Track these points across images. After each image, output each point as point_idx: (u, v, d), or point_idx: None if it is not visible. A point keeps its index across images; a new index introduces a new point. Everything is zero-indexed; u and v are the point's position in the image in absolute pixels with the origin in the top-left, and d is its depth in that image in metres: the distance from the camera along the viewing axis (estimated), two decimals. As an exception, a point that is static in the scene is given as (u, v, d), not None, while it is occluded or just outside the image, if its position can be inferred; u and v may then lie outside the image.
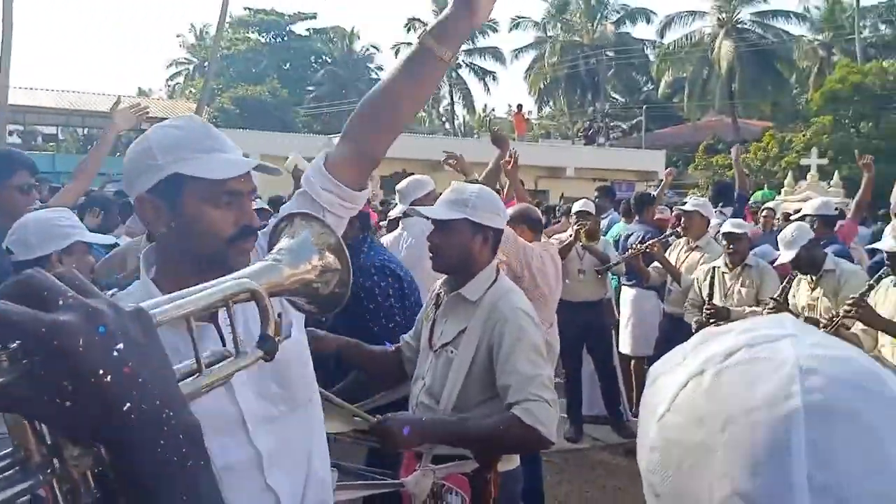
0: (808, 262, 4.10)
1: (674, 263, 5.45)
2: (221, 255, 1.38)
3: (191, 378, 0.69)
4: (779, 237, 4.35)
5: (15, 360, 0.51)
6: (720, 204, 7.02)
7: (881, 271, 3.68)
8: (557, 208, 11.13)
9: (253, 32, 39.62)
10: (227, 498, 1.03)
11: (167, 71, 44.28)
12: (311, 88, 37.78)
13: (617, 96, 38.99)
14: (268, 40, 39.56)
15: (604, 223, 7.08)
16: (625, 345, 6.07)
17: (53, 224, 2.45)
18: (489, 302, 2.24)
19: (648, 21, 37.40)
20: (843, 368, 0.53)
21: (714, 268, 4.85)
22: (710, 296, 4.71)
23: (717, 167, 25.82)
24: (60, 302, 0.52)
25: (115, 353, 0.51)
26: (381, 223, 7.22)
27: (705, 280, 4.83)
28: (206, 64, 28.49)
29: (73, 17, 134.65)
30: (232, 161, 1.41)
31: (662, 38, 36.00)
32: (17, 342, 0.50)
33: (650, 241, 5.52)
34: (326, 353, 2.44)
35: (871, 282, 3.62)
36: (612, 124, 33.71)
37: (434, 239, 2.34)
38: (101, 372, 0.50)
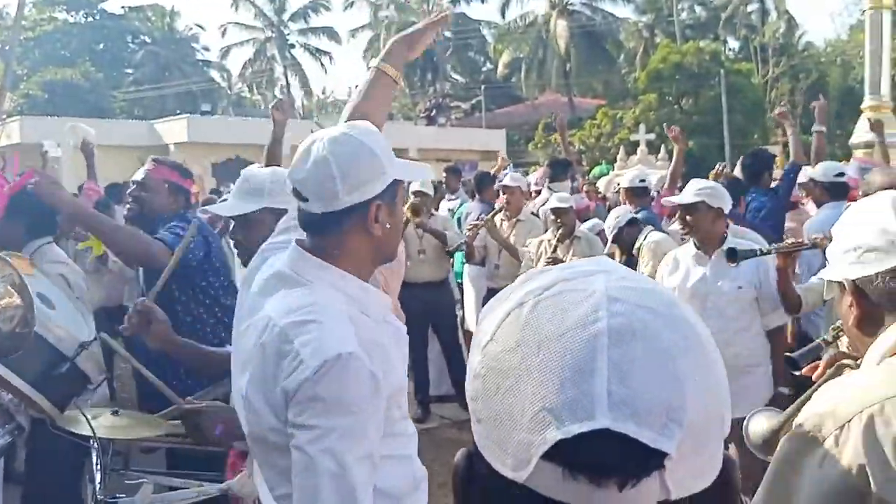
0: (628, 241, 4.60)
1: None
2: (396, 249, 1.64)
3: None
4: (604, 227, 4.71)
5: None
6: (549, 180, 7.17)
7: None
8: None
9: (60, 11, 36.26)
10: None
11: (-38, 56, 39.47)
12: (129, 71, 35.15)
13: (457, 77, 39.32)
14: (77, 19, 36.34)
15: (455, 203, 7.47)
16: (470, 322, 6.10)
17: None
18: None
19: (483, 1, 37.93)
20: (644, 297, 0.58)
21: (545, 240, 5.09)
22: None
23: (555, 145, 26.49)
24: None
25: None
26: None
27: (537, 252, 5.05)
28: (6, 46, 25.52)
29: None
30: (417, 165, 1.78)
31: (504, 17, 36.48)
32: None
33: (483, 219, 5.62)
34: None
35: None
36: (452, 104, 33.88)
37: (237, 235, 2.25)
38: None
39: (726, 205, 3.46)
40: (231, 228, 2.26)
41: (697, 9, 36.80)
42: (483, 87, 32.44)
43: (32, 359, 2.02)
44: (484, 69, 38.76)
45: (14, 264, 2.21)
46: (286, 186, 2.09)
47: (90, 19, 36.29)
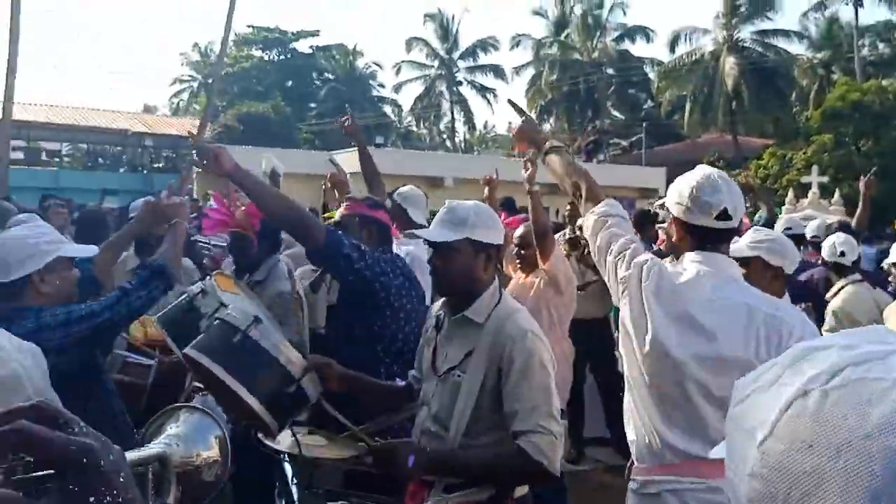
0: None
1: None
2: None
3: None
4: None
5: (28, 470, 0.58)
6: None
7: None
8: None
9: (257, 50, 39.91)
10: None
11: (170, 88, 44.46)
12: (313, 105, 37.99)
13: (617, 114, 39.15)
14: (271, 57, 39.80)
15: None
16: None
17: (30, 242, 2.32)
18: (496, 323, 2.17)
19: (648, 40, 37.57)
20: None
21: None
22: None
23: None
24: (76, 429, 0.60)
25: (122, 479, 0.60)
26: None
27: None
28: (209, 81, 28.69)
29: (74, 33, 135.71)
30: None
31: (673, 52, 35.66)
32: (39, 458, 0.57)
33: None
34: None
35: None
36: (611, 141, 33.78)
37: (435, 262, 2.26)
38: (115, 492, 0.58)
39: (788, 264, 3.00)
40: (431, 255, 2.31)
41: (880, 45, 34.56)
42: (644, 123, 32.18)
43: (266, 380, 2.06)
44: (645, 107, 38.32)
45: (220, 283, 2.33)
46: (489, 220, 2.27)
47: (283, 57, 39.55)
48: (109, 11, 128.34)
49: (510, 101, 3.00)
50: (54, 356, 1.92)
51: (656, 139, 33.35)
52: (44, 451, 0.57)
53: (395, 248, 3.68)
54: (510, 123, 48.43)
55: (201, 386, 3.00)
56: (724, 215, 2.08)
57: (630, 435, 2.26)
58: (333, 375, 2.28)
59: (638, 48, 37.89)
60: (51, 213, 6.49)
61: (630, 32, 37.74)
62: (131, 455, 0.79)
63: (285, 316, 3.40)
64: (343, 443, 2.29)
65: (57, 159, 30.00)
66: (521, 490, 2.20)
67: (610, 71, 37.19)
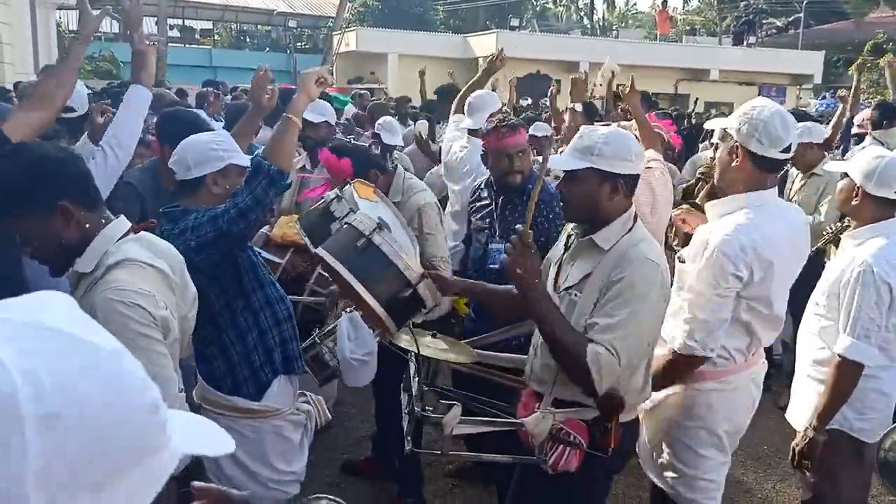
0: None
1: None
2: None
3: None
4: None
5: None
6: (873, 126, 6.18)
7: None
8: (692, 114, 10.45)
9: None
10: None
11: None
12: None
13: (775, -12, 35.79)
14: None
15: None
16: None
17: (210, 147, 2.50)
18: (619, 251, 2.18)
19: None
20: None
21: None
22: None
23: (881, 70, 23.71)
24: None
25: None
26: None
27: None
28: (349, -44, 28.76)
29: None
30: None
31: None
32: None
33: None
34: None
35: None
36: (765, 21, 31.14)
37: (562, 188, 2.31)
38: None
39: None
40: (559, 182, 2.35)
41: None
42: (804, 1, 29.41)
43: (385, 282, 2.19)
44: (808, -20, 34.74)
45: (358, 190, 2.42)
46: (619, 150, 2.17)
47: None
48: None
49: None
50: (193, 254, 2.06)
51: (816, 17, 30.45)
52: None
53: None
54: (653, 0, 45.42)
55: (319, 289, 3.29)
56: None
57: None
58: (451, 285, 2.47)
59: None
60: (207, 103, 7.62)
61: None
62: None
63: (433, 227, 3.36)
64: (465, 350, 2.52)
65: (209, 38, 31.71)
66: (629, 415, 2.25)
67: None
